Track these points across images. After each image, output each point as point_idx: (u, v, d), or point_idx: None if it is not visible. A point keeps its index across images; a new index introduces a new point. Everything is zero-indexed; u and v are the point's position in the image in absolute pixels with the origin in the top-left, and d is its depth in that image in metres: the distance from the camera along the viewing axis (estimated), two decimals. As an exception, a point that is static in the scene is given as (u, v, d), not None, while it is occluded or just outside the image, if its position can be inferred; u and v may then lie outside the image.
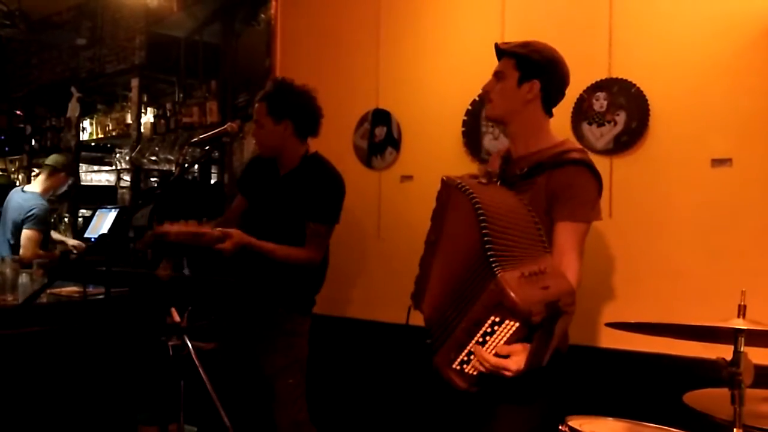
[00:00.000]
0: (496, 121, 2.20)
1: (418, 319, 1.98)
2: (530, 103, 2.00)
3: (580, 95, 2.63)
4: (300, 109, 2.73)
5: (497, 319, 1.69)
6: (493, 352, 1.69)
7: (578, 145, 2.08)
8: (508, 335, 1.69)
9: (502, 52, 2.04)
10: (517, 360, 1.67)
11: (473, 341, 1.72)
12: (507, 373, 1.68)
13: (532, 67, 1.99)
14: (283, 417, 2.71)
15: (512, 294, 1.65)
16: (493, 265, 1.67)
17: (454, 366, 1.78)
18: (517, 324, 1.67)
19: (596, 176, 1.93)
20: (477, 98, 2.94)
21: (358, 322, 3.35)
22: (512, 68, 1.99)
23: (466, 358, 1.75)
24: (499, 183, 1.99)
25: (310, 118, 2.76)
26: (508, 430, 1.92)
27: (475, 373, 1.74)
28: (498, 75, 2.03)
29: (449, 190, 1.90)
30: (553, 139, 2.02)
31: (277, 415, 2.72)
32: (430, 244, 1.96)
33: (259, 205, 2.83)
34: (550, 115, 2.04)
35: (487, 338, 1.70)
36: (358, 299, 3.41)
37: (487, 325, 1.70)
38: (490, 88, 2.04)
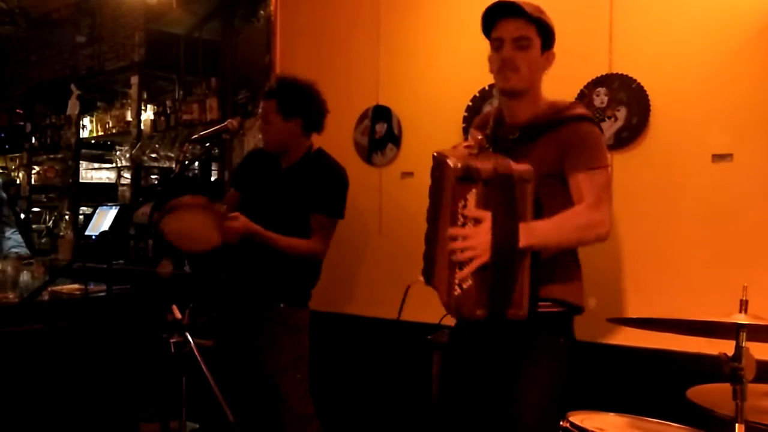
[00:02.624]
0: (515, 94, 1.98)
1: (410, 314, 1.99)
2: (546, 67, 1.99)
3: (581, 91, 2.62)
4: (309, 107, 2.75)
5: (462, 203, 1.77)
6: (462, 221, 1.77)
7: (568, 101, 2.06)
8: (474, 203, 1.76)
9: (520, 11, 1.88)
10: (483, 228, 1.72)
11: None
12: (474, 243, 1.72)
13: (551, 35, 1.96)
14: (291, 412, 2.72)
15: (450, 161, 1.78)
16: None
17: (455, 292, 1.78)
18: (474, 189, 1.74)
19: (596, 124, 1.95)
20: (477, 94, 2.94)
21: (359, 318, 3.35)
22: (536, 35, 1.92)
23: (458, 274, 1.77)
24: (491, 149, 1.97)
25: (318, 115, 2.78)
26: (532, 390, 1.94)
27: (468, 278, 1.75)
28: (521, 43, 1.90)
29: (441, 166, 1.90)
30: (545, 100, 2.01)
31: (285, 411, 2.72)
32: (431, 221, 1.97)
33: (258, 199, 2.83)
34: None
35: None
36: (359, 296, 3.41)
37: (459, 216, 1.77)
38: (512, 55, 1.91)
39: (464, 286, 1.77)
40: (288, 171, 2.80)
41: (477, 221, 1.75)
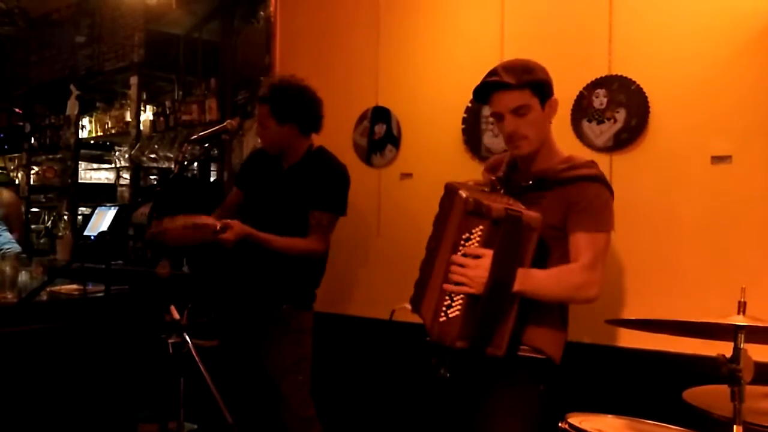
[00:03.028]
0: (530, 157, 2.02)
1: (408, 316, 1.99)
2: (549, 119, 2.01)
3: (580, 92, 2.63)
4: (303, 111, 2.74)
5: (465, 236, 1.80)
6: (463, 252, 1.81)
7: (584, 159, 2.06)
8: (478, 239, 1.79)
9: (509, 86, 1.92)
10: (483, 263, 1.76)
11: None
12: (471, 274, 1.77)
13: (547, 87, 1.97)
14: (292, 414, 2.72)
15: (463, 192, 1.80)
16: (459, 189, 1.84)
17: (440, 319, 1.82)
18: (481, 225, 1.78)
19: (608, 188, 1.96)
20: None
21: (357, 319, 3.35)
22: (530, 97, 1.93)
23: (448, 302, 1.81)
24: (503, 191, 1.99)
25: (313, 118, 2.78)
26: (504, 416, 1.95)
27: (457, 306, 1.79)
28: (520, 112, 1.93)
29: (452, 197, 1.91)
30: (559, 153, 2.04)
31: (286, 413, 2.72)
32: (431, 250, 1.98)
33: (260, 198, 2.83)
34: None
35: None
36: (358, 297, 3.41)
37: (460, 247, 1.81)
38: (516, 126, 1.94)
39: (450, 315, 1.81)
40: (289, 170, 2.80)
41: (477, 257, 1.78)
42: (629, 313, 2.49)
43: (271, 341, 2.74)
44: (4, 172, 6.85)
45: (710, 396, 1.71)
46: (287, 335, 2.73)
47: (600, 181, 1.95)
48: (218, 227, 2.54)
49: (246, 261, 2.80)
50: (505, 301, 1.79)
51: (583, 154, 2.60)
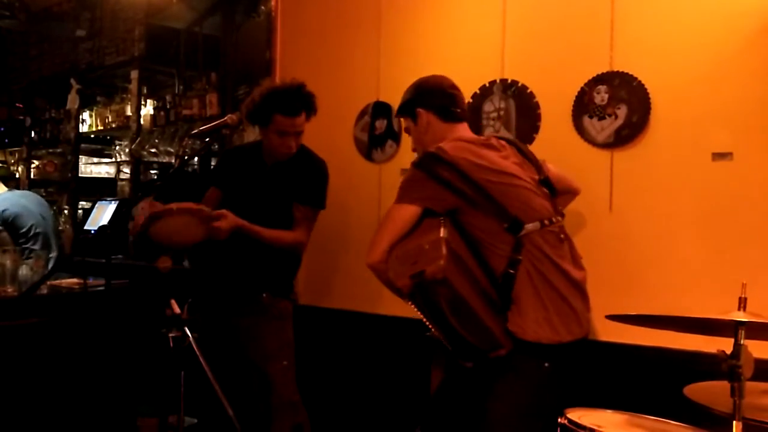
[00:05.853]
0: None
1: (409, 311, 2.02)
2: (430, 125, 2.29)
3: (581, 88, 2.63)
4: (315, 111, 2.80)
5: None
6: None
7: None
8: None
9: (398, 117, 2.45)
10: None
11: None
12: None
13: (408, 107, 2.35)
14: (278, 399, 2.75)
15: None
16: None
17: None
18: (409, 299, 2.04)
19: (418, 169, 2.14)
20: (478, 91, 2.94)
21: (357, 314, 3.35)
22: (406, 120, 2.37)
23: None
24: None
25: None
26: (503, 397, 2.01)
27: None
28: (407, 132, 2.41)
29: None
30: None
31: (272, 398, 2.75)
32: None
33: (244, 194, 2.85)
34: (456, 120, 2.28)
35: None
36: (359, 292, 3.40)
37: None
38: (412, 143, 2.39)
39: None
40: (274, 167, 2.84)
41: None
42: (630, 309, 2.48)
43: (252, 330, 2.80)
44: (5, 166, 6.85)
45: (710, 392, 1.71)
46: (268, 322, 2.80)
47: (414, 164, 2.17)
48: (214, 215, 2.56)
49: (225, 253, 2.82)
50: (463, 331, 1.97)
51: (584, 150, 2.62)
